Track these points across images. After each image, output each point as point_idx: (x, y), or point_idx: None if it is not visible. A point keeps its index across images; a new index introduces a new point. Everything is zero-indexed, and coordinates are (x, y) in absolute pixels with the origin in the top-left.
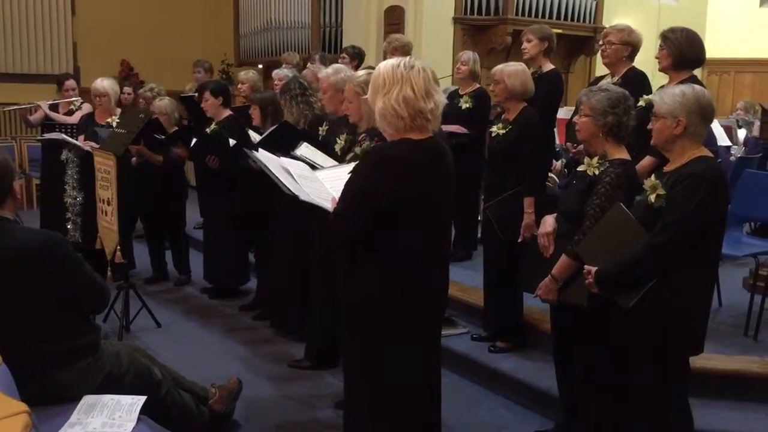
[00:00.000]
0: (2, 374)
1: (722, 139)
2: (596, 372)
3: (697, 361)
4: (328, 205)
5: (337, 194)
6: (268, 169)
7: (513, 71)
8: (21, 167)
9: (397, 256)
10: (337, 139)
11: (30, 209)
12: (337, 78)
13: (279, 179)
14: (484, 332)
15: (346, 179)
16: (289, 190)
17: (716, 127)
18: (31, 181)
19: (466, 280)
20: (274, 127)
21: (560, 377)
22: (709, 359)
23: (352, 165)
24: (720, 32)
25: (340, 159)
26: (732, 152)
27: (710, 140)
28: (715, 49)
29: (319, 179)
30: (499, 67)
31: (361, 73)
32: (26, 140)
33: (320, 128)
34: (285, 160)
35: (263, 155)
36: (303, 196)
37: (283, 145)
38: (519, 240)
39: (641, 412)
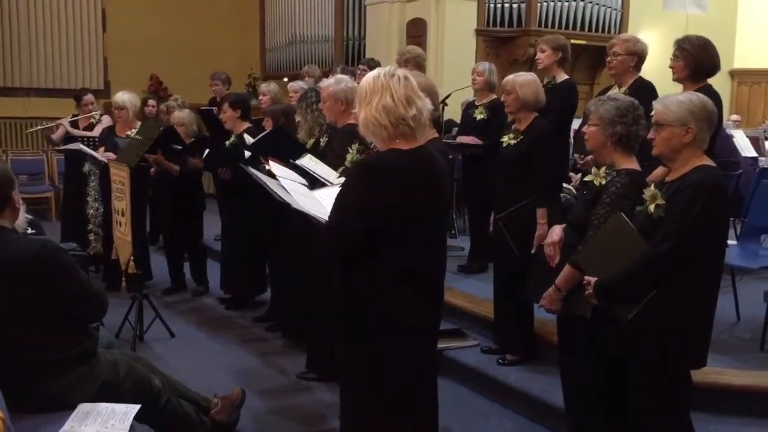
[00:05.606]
0: None
1: (747, 150)
2: (600, 386)
3: (710, 376)
4: (323, 218)
5: None
6: (262, 181)
7: (524, 81)
8: (51, 179)
9: (389, 268)
10: (349, 149)
11: (59, 221)
12: (337, 88)
13: (273, 190)
14: (495, 345)
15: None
16: (282, 199)
17: (742, 137)
18: (60, 193)
19: (480, 293)
20: (268, 131)
21: (566, 390)
22: (722, 374)
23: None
24: (750, 42)
25: None
26: (760, 164)
27: (732, 151)
28: (745, 59)
29: (315, 197)
30: (511, 77)
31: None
32: (56, 154)
33: (321, 139)
34: (282, 179)
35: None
36: (295, 205)
37: (276, 150)
38: (532, 251)
39: (641, 427)
